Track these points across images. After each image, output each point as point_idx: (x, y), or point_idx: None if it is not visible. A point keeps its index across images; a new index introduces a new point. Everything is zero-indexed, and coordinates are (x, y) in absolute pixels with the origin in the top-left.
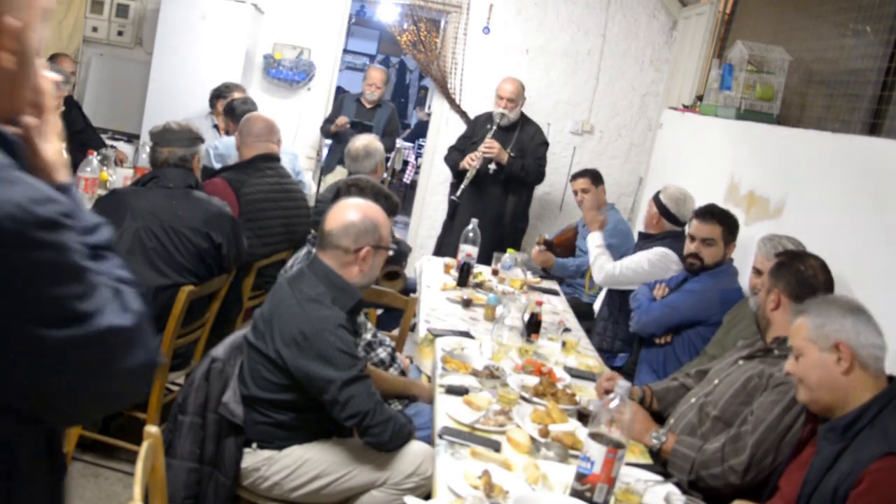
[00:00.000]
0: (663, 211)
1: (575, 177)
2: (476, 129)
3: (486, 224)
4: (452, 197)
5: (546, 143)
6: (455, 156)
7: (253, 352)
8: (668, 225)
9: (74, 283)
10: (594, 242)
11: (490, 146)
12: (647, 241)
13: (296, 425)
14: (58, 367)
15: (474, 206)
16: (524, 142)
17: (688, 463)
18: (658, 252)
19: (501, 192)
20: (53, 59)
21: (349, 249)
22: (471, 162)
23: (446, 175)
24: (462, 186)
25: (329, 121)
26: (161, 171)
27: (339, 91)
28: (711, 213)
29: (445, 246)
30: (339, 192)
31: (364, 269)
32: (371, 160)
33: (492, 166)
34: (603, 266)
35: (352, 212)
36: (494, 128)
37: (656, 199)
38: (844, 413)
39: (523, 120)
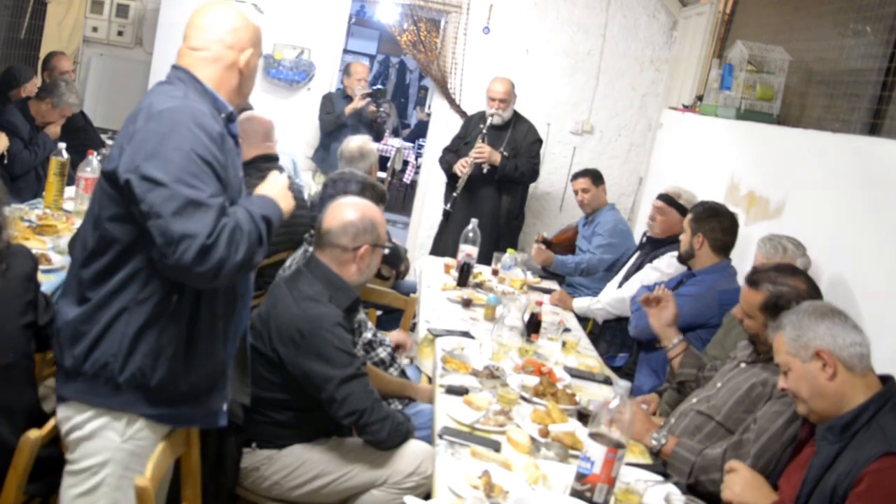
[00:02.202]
0: (676, 205)
1: (575, 176)
2: (469, 129)
3: (482, 223)
4: (445, 207)
5: (539, 141)
6: (449, 157)
7: (251, 351)
8: (678, 219)
9: (193, 165)
10: (581, 306)
11: (480, 151)
12: (653, 246)
13: (295, 424)
14: (154, 199)
15: (469, 205)
16: (517, 140)
17: (687, 466)
18: (668, 263)
19: (495, 192)
20: (51, 57)
21: (347, 248)
22: (462, 168)
23: None
24: (454, 195)
25: (329, 112)
26: None
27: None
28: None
29: (441, 246)
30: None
31: (362, 267)
32: (366, 161)
33: (485, 167)
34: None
35: (350, 210)
36: (485, 130)
37: (666, 199)
38: (841, 414)
39: (515, 118)
